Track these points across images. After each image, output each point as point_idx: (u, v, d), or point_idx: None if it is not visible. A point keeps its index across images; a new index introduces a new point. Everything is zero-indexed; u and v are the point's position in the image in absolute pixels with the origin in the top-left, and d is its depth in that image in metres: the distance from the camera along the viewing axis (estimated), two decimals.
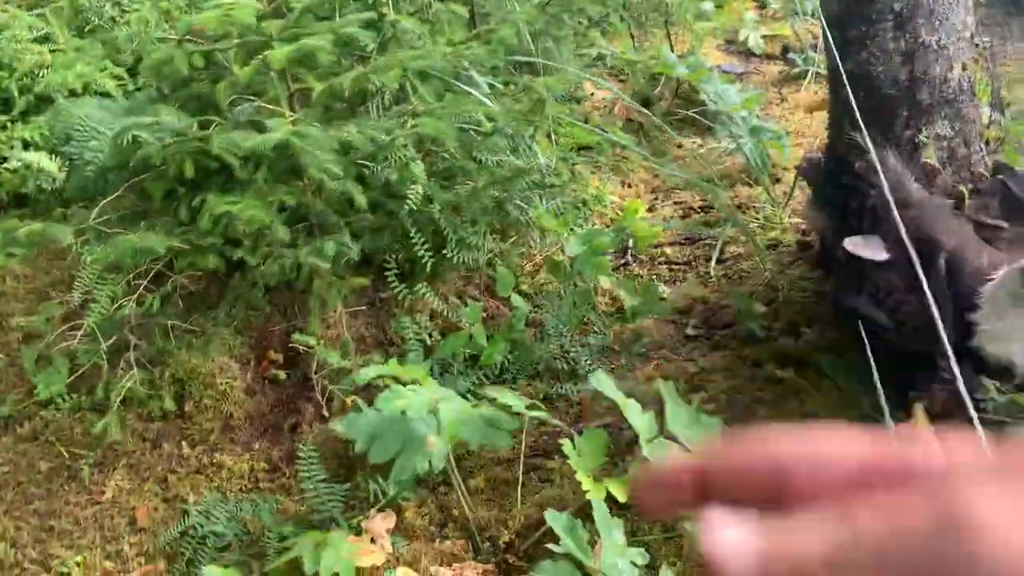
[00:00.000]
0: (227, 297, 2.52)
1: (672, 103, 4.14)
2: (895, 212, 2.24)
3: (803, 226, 2.87)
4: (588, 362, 2.52)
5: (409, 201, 2.38)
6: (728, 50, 5.10)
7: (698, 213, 3.24)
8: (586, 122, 3.80)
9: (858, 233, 2.19)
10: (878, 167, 2.31)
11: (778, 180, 3.24)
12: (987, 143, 2.47)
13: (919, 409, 2.10)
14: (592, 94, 4.12)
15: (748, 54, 5.04)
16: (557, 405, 2.45)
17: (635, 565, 1.72)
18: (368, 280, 2.53)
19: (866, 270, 2.17)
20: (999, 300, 1.95)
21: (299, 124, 2.21)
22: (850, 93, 2.40)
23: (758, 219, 3.01)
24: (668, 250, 3.04)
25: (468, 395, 2.40)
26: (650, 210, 3.34)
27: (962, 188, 2.29)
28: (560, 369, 2.53)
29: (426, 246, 2.46)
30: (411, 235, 2.45)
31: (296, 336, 2.40)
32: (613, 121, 3.70)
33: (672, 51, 4.46)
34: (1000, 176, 2.30)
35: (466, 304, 2.80)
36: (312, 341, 2.38)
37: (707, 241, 3.00)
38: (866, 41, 2.28)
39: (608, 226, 3.16)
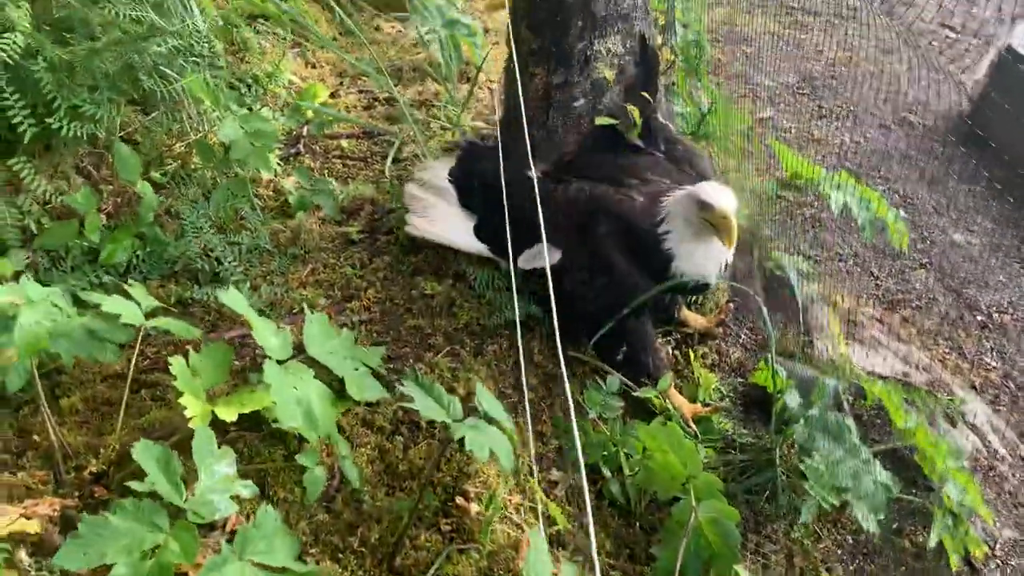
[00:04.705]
0: None
1: None
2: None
3: (483, 131, 2.76)
4: (234, 264, 2.24)
5: (3, 52, 1.89)
6: None
7: (383, 105, 3.00)
8: None
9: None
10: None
11: (468, 79, 3.08)
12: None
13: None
14: None
15: None
16: (193, 311, 2.15)
17: (238, 499, 1.54)
18: None
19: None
20: (677, 223, 1.96)
21: None
22: None
23: (440, 119, 2.85)
24: (345, 143, 2.79)
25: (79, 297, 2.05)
26: (333, 96, 3.05)
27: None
28: (200, 269, 2.22)
29: (24, 111, 1.99)
30: (4, 96, 1.97)
31: None
32: None
33: None
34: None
35: (96, 188, 2.37)
36: None
37: (386, 138, 2.78)
38: None
39: (282, 109, 2.84)
